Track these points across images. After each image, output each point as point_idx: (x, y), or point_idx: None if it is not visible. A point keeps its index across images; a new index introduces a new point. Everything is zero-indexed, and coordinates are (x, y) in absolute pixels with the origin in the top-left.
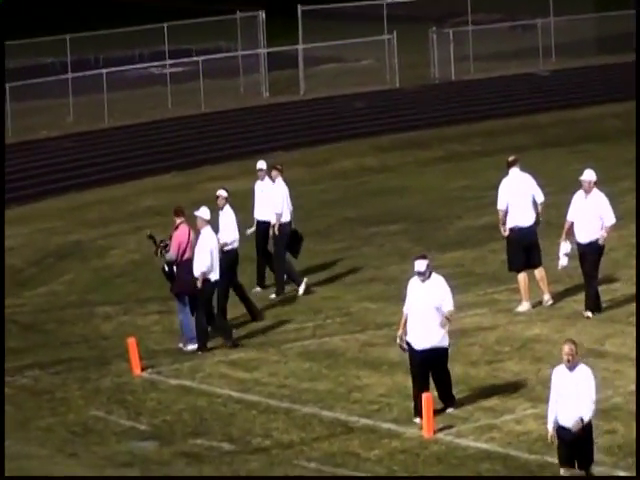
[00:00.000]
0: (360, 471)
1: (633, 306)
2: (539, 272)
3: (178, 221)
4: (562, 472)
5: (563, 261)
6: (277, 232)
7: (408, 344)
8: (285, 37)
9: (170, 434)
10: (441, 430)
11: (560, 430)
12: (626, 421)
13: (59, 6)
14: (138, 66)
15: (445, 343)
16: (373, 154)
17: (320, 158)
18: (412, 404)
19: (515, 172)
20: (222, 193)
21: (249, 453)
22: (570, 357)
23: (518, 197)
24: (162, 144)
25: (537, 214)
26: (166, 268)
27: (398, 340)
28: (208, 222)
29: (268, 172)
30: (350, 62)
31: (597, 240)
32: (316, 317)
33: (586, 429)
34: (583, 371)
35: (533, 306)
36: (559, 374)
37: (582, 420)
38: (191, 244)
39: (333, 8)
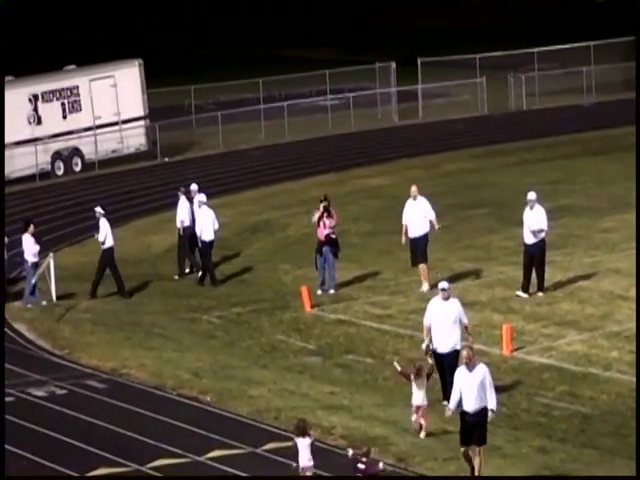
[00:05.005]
0: None
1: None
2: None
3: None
4: (462, 450)
5: None
6: None
7: (433, 350)
8: (409, 80)
9: (330, 352)
10: (516, 350)
11: (463, 414)
12: None
13: (253, 59)
14: (308, 100)
15: (458, 347)
16: (468, 160)
17: (433, 163)
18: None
19: (418, 199)
20: (98, 209)
21: (384, 365)
22: (467, 360)
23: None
24: (325, 153)
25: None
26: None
27: (424, 347)
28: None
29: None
30: (453, 97)
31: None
32: (430, 272)
33: (484, 415)
34: (481, 369)
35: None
36: (461, 373)
37: (492, 411)
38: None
39: (442, 60)
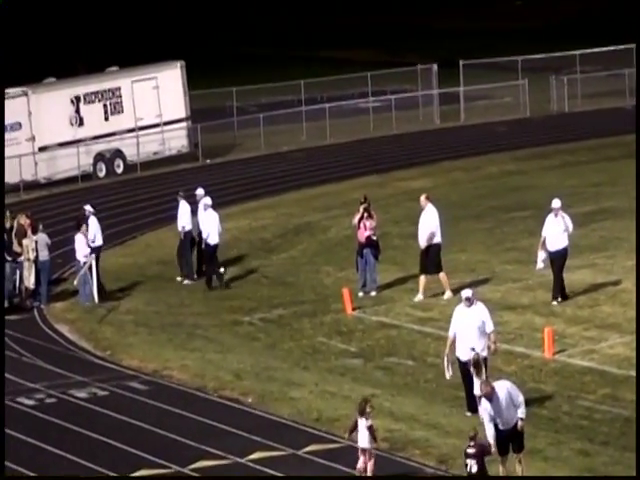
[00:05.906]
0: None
1: None
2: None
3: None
4: (501, 460)
5: (540, 265)
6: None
7: (457, 358)
8: (450, 82)
9: (371, 354)
10: (557, 353)
11: (498, 431)
12: None
13: (295, 61)
14: (350, 102)
15: (484, 354)
16: (510, 162)
17: (474, 165)
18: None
19: (427, 209)
20: (88, 208)
21: (425, 367)
22: (487, 392)
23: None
24: (366, 155)
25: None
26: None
27: (445, 360)
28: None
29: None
30: (495, 99)
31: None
32: (472, 274)
33: (519, 425)
34: (502, 390)
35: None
36: (485, 406)
37: (521, 419)
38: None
39: (484, 62)
